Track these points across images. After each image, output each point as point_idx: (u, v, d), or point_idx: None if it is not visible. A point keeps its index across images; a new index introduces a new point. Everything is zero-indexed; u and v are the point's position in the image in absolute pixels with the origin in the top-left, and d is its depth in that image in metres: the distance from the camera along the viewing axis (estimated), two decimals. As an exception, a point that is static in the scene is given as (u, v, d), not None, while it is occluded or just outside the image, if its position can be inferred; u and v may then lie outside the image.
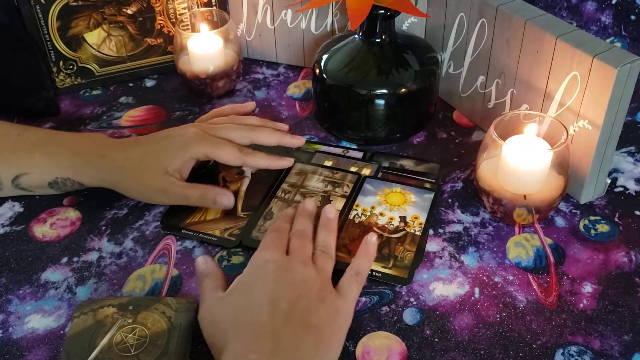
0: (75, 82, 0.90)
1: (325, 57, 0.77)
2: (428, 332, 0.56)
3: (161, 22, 0.90)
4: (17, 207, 0.70)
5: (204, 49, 0.84)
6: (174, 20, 0.90)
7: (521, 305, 0.58)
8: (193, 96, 0.88)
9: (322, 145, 0.78)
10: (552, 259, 0.63)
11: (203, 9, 0.89)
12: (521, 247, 0.64)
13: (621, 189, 0.71)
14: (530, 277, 0.61)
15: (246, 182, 0.72)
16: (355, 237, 0.64)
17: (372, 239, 0.61)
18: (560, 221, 0.67)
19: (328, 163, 0.75)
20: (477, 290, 0.60)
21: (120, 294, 0.60)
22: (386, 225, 0.66)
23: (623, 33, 0.85)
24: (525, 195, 0.63)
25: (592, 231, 0.65)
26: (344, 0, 0.84)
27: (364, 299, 0.59)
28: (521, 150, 0.62)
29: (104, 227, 0.67)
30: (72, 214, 0.69)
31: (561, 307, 0.58)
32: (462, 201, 0.70)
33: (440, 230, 0.66)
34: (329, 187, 0.71)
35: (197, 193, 0.65)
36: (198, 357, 0.54)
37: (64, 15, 0.84)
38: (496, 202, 0.64)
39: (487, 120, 0.77)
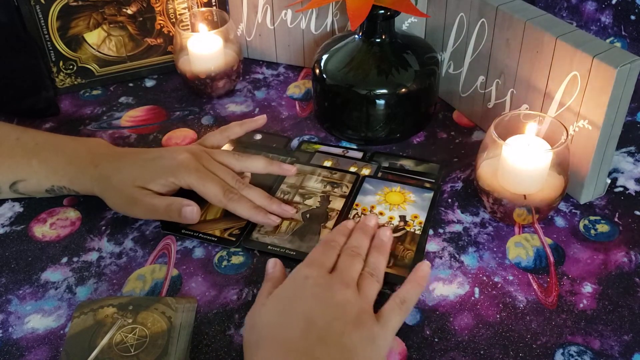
0: (75, 82, 0.90)
1: (325, 57, 0.77)
2: (428, 332, 0.56)
3: (161, 22, 0.90)
4: (17, 207, 0.70)
5: (204, 49, 0.84)
6: (174, 20, 0.90)
7: (521, 305, 0.58)
8: (193, 96, 0.88)
9: (322, 145, 0.78)
10: (552, 259, 0.63)
11: (203, 9, 0.89)
12: (521, 247, 0.64)
13: (621, 189, 0.71)
14: (530, 277, 0.61)
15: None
16: None
17: (425, 267, 0.57)
18: (560, 221, 0.67)
19: (328, 163, 0.75)
20: (477, 290, 0.60)
21: (120, 294, 0.60)
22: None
23: (623, 33, 0.85)
24: (525, 195, 0.63)
25: (592, 231, 0.65)
26: (344, 0, 0.84)
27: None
28: (521, 150, 0.62)
29: (104, 227, 0.67)
30: (72, 214, 0.69)
31: (561, 307, 0.58)
32: (462, 201, 0.70)
33: (440, 230, 0.66)
34: (328, 188, 0.71)
35: (164, 204, 0.63)
36: (198, 357, 0.54)
37: (64, 15, 0.84)
38: (496, 202, 0.64)
39: (487, 120, 0.77)
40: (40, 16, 0.83)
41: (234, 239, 0.65)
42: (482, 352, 0.54)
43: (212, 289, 0.60)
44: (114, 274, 0.62)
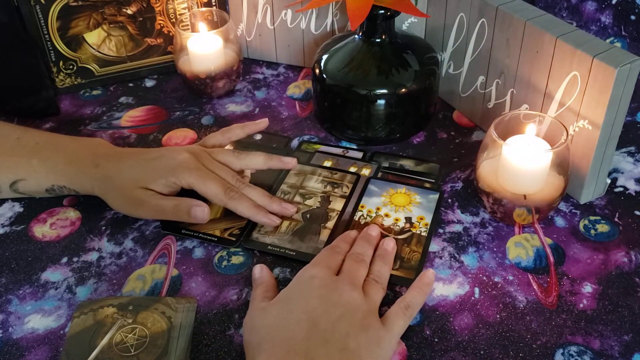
0: (75, 82, 0.90)
1: (325, 57, 0.77)
2: (428, 332, 0.56)
3: (161, 22, 0.90)
4: (17, 207, 0.70)
5: (204, 49, 0.84)
6: (174, 20, 0.90)
7: (521, 305, 0.58)
8: (193, 96, 0.88)
9: (322, 145, 0.78)
10: (552, 259, 0.63)
11: (203, 9, 0.89)
12: (521, 247, 0.64)
13: (621, 189, 0.71)
14: (530, 277, 0.61)
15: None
16: None
17: (430, 274, 0.58)
18: (560, 221, 0.67)
19: (328, 163, 0.75)
20: (477, 290, 0.60)
21: (120, 294, 0.60)
22: (392, 227, 0.66)
23: (623, 33, 0.85)
24: (525, 195, 0.63)
25: (592, 231, 0.65)
26: (344, 0, 0.84)
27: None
28: (521, 150, 0.62)
29: (104, 227, 0.67)
30: (72, 214, 0.69)
31: (561, 307, 0.58)
32: (462, 201, 0.70)
33: (440, 231, 0.66)
34: (328, 188, 0.71)
35: (172, 204, 0.63)
36: (198, 357, 0.54)
37: (64, 15, 0.84)
38: (496, 202, 0.64)
39: (487, 120, 0.77)
40: (40, 16, 0.83)
41: (234, 239, 0.65)
42: (482, 352, 0.54)
43: (212, 289, 0.60)
44: (114, 274, 0.62)
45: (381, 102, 0.74)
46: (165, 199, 0.63)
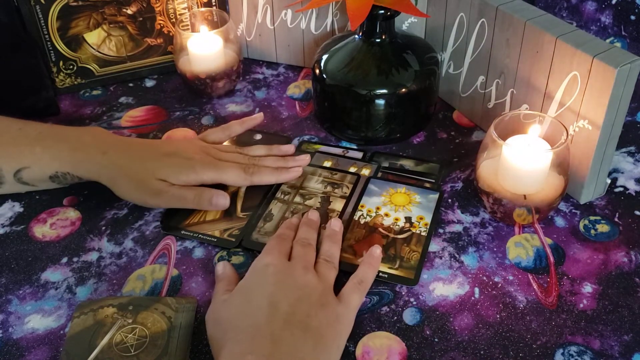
0: (75, 82, 0.90)
1: (325, 57, 0.77)
2: (428, 332, 0.56)
3: (161, 22, 0.90)
4: (17, 207, 0.70)
5: (204, 49, 0.84)
6: (174, 20, 0.90)
7: (521, 305, 0.58)
8: (193, 96, 0.88)
9: (322, 146, 0.78)
10: (552, 259, 0.63)
11: (203, 9, 0.89)
12: (521, 247, 0.64)
13: (621, 189, 0.71)
14: (530, 277, 0.61)
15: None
16: (361, 238, 0.64)
17: (376, 251, 0.61)
18: (560, 221, 0.67)
19: (327, 163, 0.75)
20: (477, 290, 0.60)
21: (120, 294, 0.60)
22: (392, 226, 0.66)
23: (623, 33, 0.85)
24: (525, 195, 0.63)
25: (592, 231, 0.65)
26: (344, 0, 0.84)
27: (364, 299, 0.59)
28: (521, 150, 0.62)
29: (104, 227, 0.67)
30: (72, 214, 0.69)
31: (561, 307, 0.58)
32: (462, 201, 0.70)
33: (440, 230, 0.66)
34: (328, 188, 0.71)
35: (193, 194, 0.65)
36: (198, 357, 0.54)
37: (64, 15, 0.84)
38: (496, 202, 0.64)
39: (487, 120, 0.77)
40: (40, 16, 0.83)
41: (233, 240, 0.65)
42: (482, 352, 0.54)
43: (212, 289, 0.60)
44: (114, 274, 0.62)
45: (381, 102, 0.74)
46: (185, 189, 0.66)
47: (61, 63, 0.88)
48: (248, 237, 0.65)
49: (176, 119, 0.84)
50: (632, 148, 0.76)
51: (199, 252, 0.64)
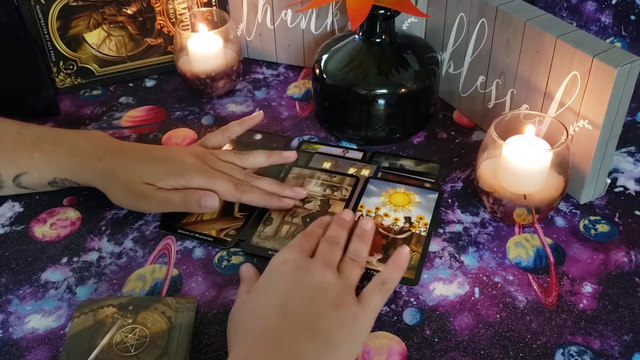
0: (75, 82, 0.90)
1: (325, 57, 0.77)
2: (428, 332, 0.56)
3: (161, 22, 0.90)
4: (17, 207, 0.70)
5: (204, 49, 0.84)
6: (174, 20, 0.90)
7: (521, 305, 0.58)
8: (193, 96, 0.88)
9: (322, 146, 0.78)
10: (552, 259, 0.63)
11: (203, 9, 0.89)
12: (521, 247, 0.64)
13: (621, 189, 0.71)
14: (530, 277, 0.61)
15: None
16: None
17: (405, 250, 0.58)
18: (560, 221, 0.67)
19: (327, 164, 0.75)
20: (477, 290, 0.60)
21: (120, 294, 0.60)
22: (391, 226, 0.66)
23: (623, 33, 0.85)
24: (525, 195, 0.63)
25: (592, 231, 0.65)
26: (344, 0, 0.84)
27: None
28: (521, 150, 0.62)
29: (103, 227, 0.67)
30: (72, 214, 0.69)
31: (561, 307, 0.58)
32: (462, 201, 0.70)
33: (440, 230, 0.66)
34: (328, 191, 0.70)
35: (180, 196, 0.64)
36: (198, 357, 0.54)
37: (64, 15, 0.84)
38: (496, 202, 0.64)
39: (487, 120, 0.77)
40: (40, 16, 0.83)
41: (229, 239, 0.65)
42: (482, 352, 0.54)
43: (212, 289, 0.60)
44: (114, 274, 0.62)
45: (381, 102, 0.74)
46: (172, 192, 0.64)
47: (61, 63, 0.88)
48: (248, 241, 0.65)
49: (176, 119, 0.84)
50: (632, 148, 0.76)
51: (199, 252, 0.64)
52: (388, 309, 0.58)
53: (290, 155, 0.71)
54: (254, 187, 0.66)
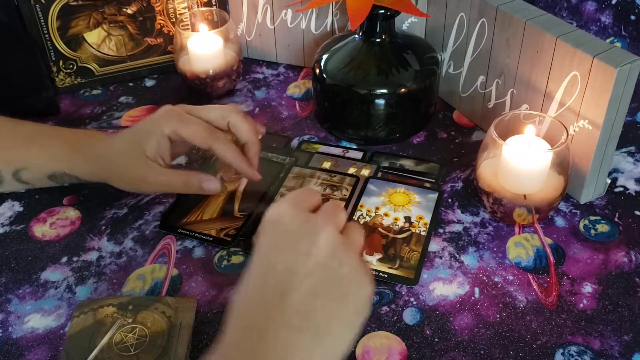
0: (75, 82, 0.90)
1: (325, 57, 0.77)
2: (428, 332, 0.56)
3: (161, 21, 0.90)
4: (17, 207, 0.70)
5: (204, 49, 0.84)
6: (174, 20, 0.90)
7: (521, 305, 0.58)
8: (193, 96, 0.88)
9: (322, 145, 0.78)
10: (552, 259, 0.63)
11: (203, 8, 0.89)
12: (521, 247, 0.64)
13: (621, 189, 0.71)
14: (530, 277, 0.61)
15: (244, 182, 0.72)
16: None
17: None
18: (560, 221, 0.67)
19: (327, 164, 0.75)
20: (477, 290, 0.60)
21: (120, 293, 0.60)
22: (391, 226, 0.66)
23: (623, 33, 0.85)
24: (525, 195, 0.63)
25: (592, 231, 0.65)
26: (344, 0, 0.84)
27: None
28: (521, 150, 0.62)
29: (103, 227, 0.67)
30: (72, 214, 0.69)
31: (561, 307, 0.58)
32: (462, 201, 0.70)
33: (440, 230, 0.66)
34: (328, 191, 0.70)
35: (181, 179, 0.64)
36: (198, 357, 0.54)
37: (64, 15, 0.84)
38: (496, 202, 0.64)
39: (487, 120, 0.77)
40: (40, 16, 0.83)
41: (229, 239, 0.65)
42: (482, 352, 0.54)
43: (212, 289, 0.60)
44: (114, 273, 0.62)
45: (381, 102, 0.74)
46: (172, 174, 0.64)
47: (61, 63, 0.88)
48: (248, 241, 0.65)
49: (176, 119, 0.84)
50: (632, 148, 0.76)
51: (199, 252, 0.64)
52: (388, 309, 0.58)
53: (254, 177, 0.66)
54: (229, 143, 0.64)
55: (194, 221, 0.67)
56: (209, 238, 0.65)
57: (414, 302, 0.59)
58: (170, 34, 0.91)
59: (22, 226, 0.68)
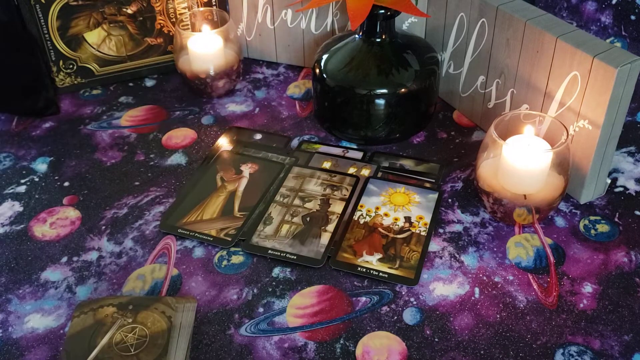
0: (75, 82, 0.90)
1: (325, 57, 0.77)
2: (428, 332, 0.56)
3: (161, 21, 0.90)
4: (17, 207, 0.70)
5: (204, 49, 0.84)
6: (174, 19, 0.90)
7: (521, 305, 0.58)
8: (193, 96, 0.88)
9: (322, 145, 0.78)
10: (552, 259, 0.63)
11: (203, 8, 0.89)
12: (521, 247, 0.64)
13: (621, 189, 0.71)
14: (530, 277, 0.61)
15: (244, 182, 0.72)
16: (360, 237, 0.64)
17: None
18: (560, 221, 0.67)
19: (327, 164, 0.75)
20: (477, 290, 0.60)
21: (120, 293, 0.60)
22: (391, 226, 0.66)
23: (623, 33, 0.85)
24: (525, 195, 0.63)
25: (592, 231, 0.65)
26: (344, 0, 0.84)
27: (364, 298, 0.59)
28: (521, 150, 0.62)
29: (103, 227, 0.67)
30: (72, 214, 0.69)
31: (561, 307, 0.58)
32: (462, 201, 0.70)
33: (441, 230, 0.66)
34: (328, 190, 0.70)
35: None
36: (198, 357, 0.54)
37: (64, 15, 0.84)
38: (496, 202, 0.64)
39: (487, 120, 0.77)
40: (40, 16, 0.83)
41: (229, 239, 0.65)
42: (482, 352, 0.54)
43: (212, 289, 0.60)
44: (114, 273, 0.62)
45: (381, 102, 0.74)
46: None
47: (61, 62, 0.88)
48: (248, 240, 0.65)
49: (176, 119, 0.84)
50: (632, 148, 0.76)
51: (199, 252, 0.64)
52: (388, 309, 0.58)
53: None
54: None
55: (194, 221, 0.67)
56: (209, 238, 0.65)
57: (414, 302, 0.59)
58: (170, 34, 0.91)
59: (22, 226, 0.68)
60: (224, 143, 0.79)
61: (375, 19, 0.73)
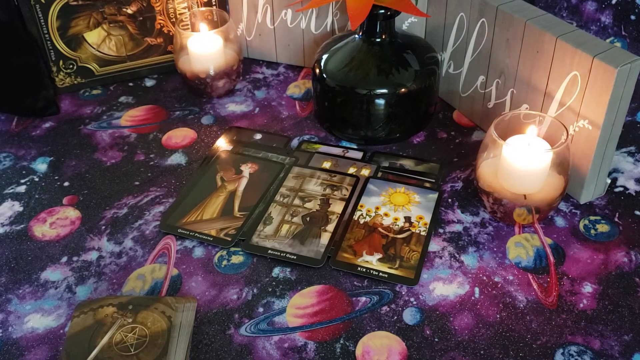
0: (75, 82, 0.90)
1: (325, 57, 0.77)
2: (428, 332, 0.56)
3: (161, 21, 0.90)
4: (17, 207, 0.70)
5: (204, 49, 0.84)
6: (174, 19, 0.90)
7: (521, 305, 0.58)
8: (193, 96, 0.88)
9: (322, 145, 0.78)
10: (552, 259, 0.63)
11: (203, 8, 0.89)
12: (521, 247, 0.64)
13: (621, 189, 0.71)
14: (530, 277, 0.61)
15: (244, 182, 0.72)
16: (360, 237, 0.64)
17: None
18: (560, 221, 0.67)
19: (327, 164, 0.75)
20: (477, 290, 0.60)
21: (120, 293, 0.60)
22: (391, 226, 0.66)
23: (623, 33, 0.85)
24: (525, 195, 0.63)
25: (592, 231, 0.65)
26: (344, 0, 0.84)
27: (364, 298, 0.59)
28: (521, 150, 0.62)
29: (103, 227, 0.67)
30: (72, 214, 0.69)
31: (561, 307, 0.58)
32: (462, 201, 0.70)
33: (441, 230, 0.66)
34: (328, 190, 0.70)
35: None
36: (198, 357, 0.54)
37: (64, 15, 0.84)
38: (496, 202, 0.64)
39: (487, 120, 0.77)
40: (40, 15, 0.83)
41: (229, 239, 0.65)
42: (482, 352, 0.54)
43: (212, 289, 0.60)
44: (114, 273, 0.62)
45: (381, 101, 0.74)
46: None
47: (61, 62, 0.88)
48: (248, 240, 0.65)
49: (176, 119, 0.84)
50: (632, 148, 0.76)
51: (198, 252, 0.64)
52: (388, 309, 0.58)
53: None
54: None
55: (194, 221, 0.67)
56: (208, 238, 0.65)
57: (414, 302, 0.59)
58: (170, 34, 0.91)
59: (22, 226, 0.68)
60: (223, 143, 0.79)
61: (375, 19, 0.73)
